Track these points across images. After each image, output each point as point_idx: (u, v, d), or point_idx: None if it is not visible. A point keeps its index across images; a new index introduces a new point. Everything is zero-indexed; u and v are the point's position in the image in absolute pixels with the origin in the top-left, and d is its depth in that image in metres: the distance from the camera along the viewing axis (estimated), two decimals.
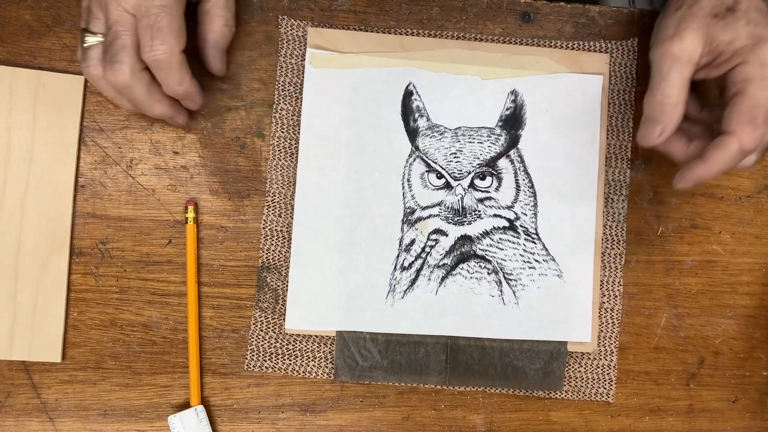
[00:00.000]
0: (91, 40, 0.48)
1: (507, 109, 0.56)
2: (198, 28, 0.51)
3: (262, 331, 0.55)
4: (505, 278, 0.55)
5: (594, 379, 0.56)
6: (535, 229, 0.56)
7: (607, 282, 0.56)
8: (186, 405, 0.54)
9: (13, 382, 0.54)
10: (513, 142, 0.56)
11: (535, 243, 0.56)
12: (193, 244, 0.54)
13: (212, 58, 0.52)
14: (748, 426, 0.58)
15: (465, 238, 0.55)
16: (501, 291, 0.55)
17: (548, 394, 0.56)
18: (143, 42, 0.46)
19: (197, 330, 0.54)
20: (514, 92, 0.56)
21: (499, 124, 0.56)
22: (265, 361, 0.55)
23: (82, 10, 0.49)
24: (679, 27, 0.47)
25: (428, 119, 0.55)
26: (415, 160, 0.55)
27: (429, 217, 0.55)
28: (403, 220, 0.55)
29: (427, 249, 0.55)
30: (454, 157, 0.55)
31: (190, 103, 0.51)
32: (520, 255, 0.55)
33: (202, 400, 0.54)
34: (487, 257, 0.55)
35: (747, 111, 0.46)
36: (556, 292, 0.55)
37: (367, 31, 0.55)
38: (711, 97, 0.54)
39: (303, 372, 0.55)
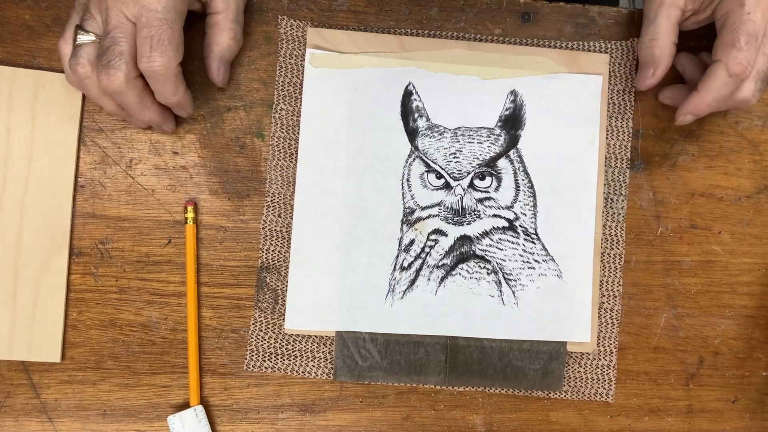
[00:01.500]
0: (83, 38, 0.48)
1: (506, 110, 0.56)
2: (205, 38, 0.51)
3: (261, 331, 0.55)
4: (504, 278, 0.55)
5: (593, 379, 0.56)
6: (535, 229, 0.56)
7: (606, 282, 0.56)
8: (185, 405, 0.54)
9: (13, 382, 0.54)
10: (512, 142, 0.56)
11: (534, 243, 0.56)
12: (193, 244, 0.54)
13: (215, 69, 0.52)
14: (748, 426, 0.58)
15: (464, 239, 0.55)
16: (500, 291, 0.55)
17: (548, 394, 0.56)
18: (141, 52, 0.46)
19: (197, 330, 0.54)
20: (513, 92, 0.56)
21: (499, 124, 0.56)
22: (265, 361, 0.55)
23: (77, 5, 0.49)
24: None
25: (428, 119, 0.55)
26: (414, 160, 0.55)
27: (428, 217, 0.55)
28: (402, 220, 0.55)
29: (427, 249, 0.55)
30: (454, 158, 0.55)
31: (182, 112, 0.52)
32: (520, 255, 0.55)
33: (201, 400, 0.54)
34: (486, 257, 0.55)
35: (728, 36, 0.49)
36: (555, 293, 0.55)
37: (366, 31, 0.55)
38: None
39: (302, 372, 0.55)
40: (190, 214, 0.54)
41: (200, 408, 0.54)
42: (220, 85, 0.53)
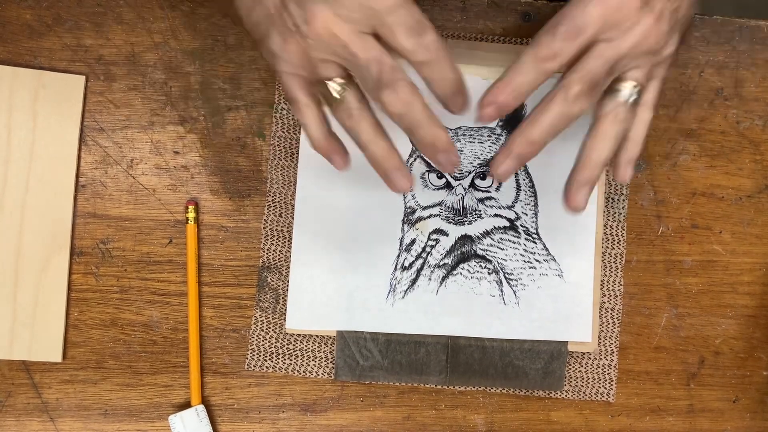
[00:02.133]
0: (336, 87, 0.42)
1: None
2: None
3: (262, 330, 0.55)
4: (505, 278, 0.55)
5: (594, 379, 0.56)
6: (536, 228, 0.56)
7: (607, 282, 0.56)
8: (186, 404, 0.54)
9: (14, 382, 0.54)
10: None
11: (535, 243, 0.56)
12: (194, 244, 0.54)
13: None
14: (749, 426, 0.58)
15: (465, 238, 0.55)
16: (501, 291, 0.55)
17: (549, 394, 0.56)
18: (404, 47, 0.40)
19: (198, 330, 0.54)
20: None
21: (500, 124, 0.56)
22: (266, 360, 0.55)
23: (289, 69, 0.42)
24: None
25: None
26: (415, 159, 0.55)
27: (429, 216, 0.55)
28: (403, 219, 0.55)
29: (428, 249, 0.55)
30: None
31: (460, 100, 0.42)
32: (521, 255, 0.55)
33: (202, 399, 0.54)
34: (487, 257, 0.55)
35: (551, 21, 0.42)
36: (556, 292, 0.55)
37: None
38: None
39: (303, 372, 0.55)
40: (191, 214, 0.54)
41: (201, 407, 0.54)
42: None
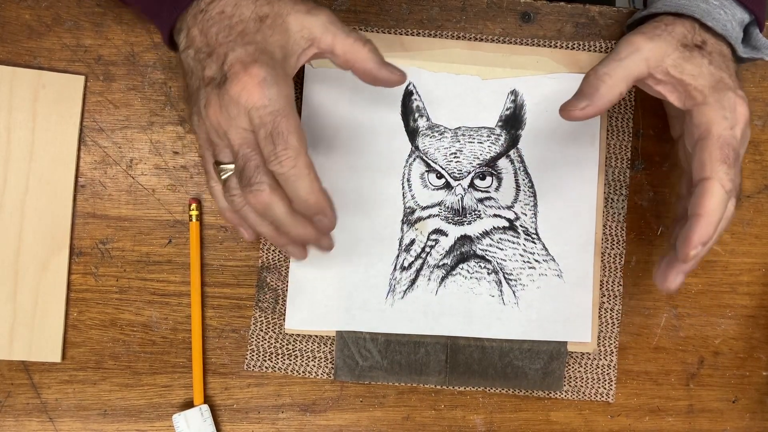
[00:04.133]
0: (226, 169, 0.46)
1: (507, 109, 0.56)
2: (357, 72, 0.48)
3: (262, 331, 0.55)
4: (505, 278, 0.55)
5: (594, 379, 0.56)
6: (535, 229, 0.56)
7: (607, 282, 0.56)
8: (186, 405, 0.54)
9: (13, 382, 0.54)
10: (513, 142, 0.56)
11: (535, 243, 0.56)
12: (197, 242, 0.54)
13: (389, 71, 0.47)
14: (748, 426, 0.58)
15: (465, 238, 0.55)
16: (501, 291, 0.55)
17: (548, 394, 0.56)
18: (267, 154, 0.42)
19: (201, 327, 0.54)
20: (514, 92, 0.56)
21: (499, 124, 0.56)
22: (265, 361, 0.55)
23: (202, 143, 0.47)
24: (652, 34, 0.48)
25: (428, 119, 0.55)
26: (415, 160, 0.55)
27: (429, 217, 0.55)
28: (402, 220, 0.55)
29: (427, 249, 0.55)
30: (454, 157, 0.55)
31: (324, 220, 0.45)
32: (520, 255, 0.55)
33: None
34: (487, 257, 0.55)
35: (718, 151, 0.45)
36: (556, 292, 0.55)
37: (367, 31, 0.55)
38: None
39: (303, 372, 0.55)
40: (195, 212, 0.54)
41: (206, 407, 0.54)
42: (401, 80, 0.48)
